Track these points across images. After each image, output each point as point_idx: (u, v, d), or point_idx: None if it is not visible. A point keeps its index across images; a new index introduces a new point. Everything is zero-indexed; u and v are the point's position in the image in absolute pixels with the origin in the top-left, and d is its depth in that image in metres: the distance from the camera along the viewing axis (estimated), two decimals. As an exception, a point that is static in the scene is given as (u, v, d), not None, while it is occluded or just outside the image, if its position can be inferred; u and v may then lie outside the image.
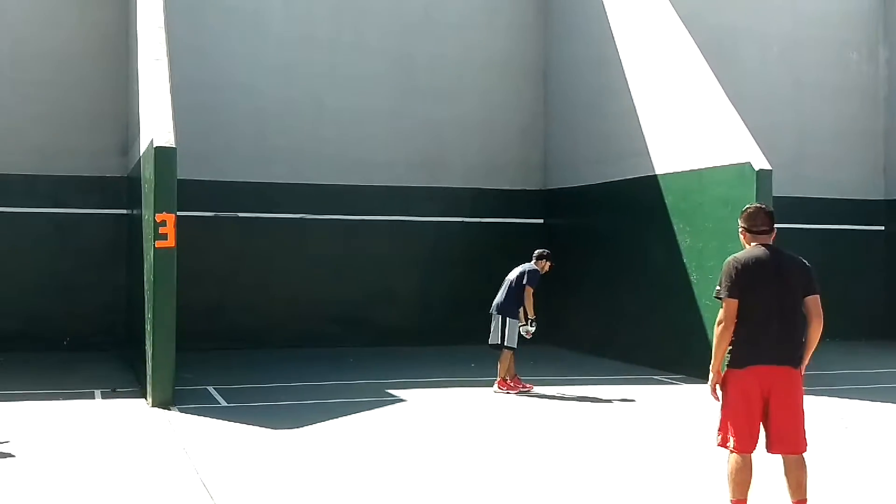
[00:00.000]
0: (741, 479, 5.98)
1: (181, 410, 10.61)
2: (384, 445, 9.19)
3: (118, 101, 15.95)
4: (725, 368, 5.97)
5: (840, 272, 19.51)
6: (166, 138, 11.05)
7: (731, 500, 6.04)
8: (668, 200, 14.66)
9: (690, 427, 10.41)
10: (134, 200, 13.53)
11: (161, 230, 10.80)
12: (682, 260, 14.30)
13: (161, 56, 12.35)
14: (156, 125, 11.29)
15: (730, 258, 6.12)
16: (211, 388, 12.22)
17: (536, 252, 12.92)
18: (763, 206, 6.47)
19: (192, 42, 16.46)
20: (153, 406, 10.74)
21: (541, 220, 18.41)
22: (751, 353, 5.90)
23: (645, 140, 15.17)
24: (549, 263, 12.82)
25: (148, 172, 11.38)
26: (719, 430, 6.02)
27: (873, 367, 15.62)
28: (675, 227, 14.48)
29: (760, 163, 13.11)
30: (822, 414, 11.27)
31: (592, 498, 7.25)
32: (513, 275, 12.69)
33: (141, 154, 12.40)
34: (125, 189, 15.46)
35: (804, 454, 6.00)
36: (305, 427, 9.90)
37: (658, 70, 15.06)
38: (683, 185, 14.39)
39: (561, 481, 7.81)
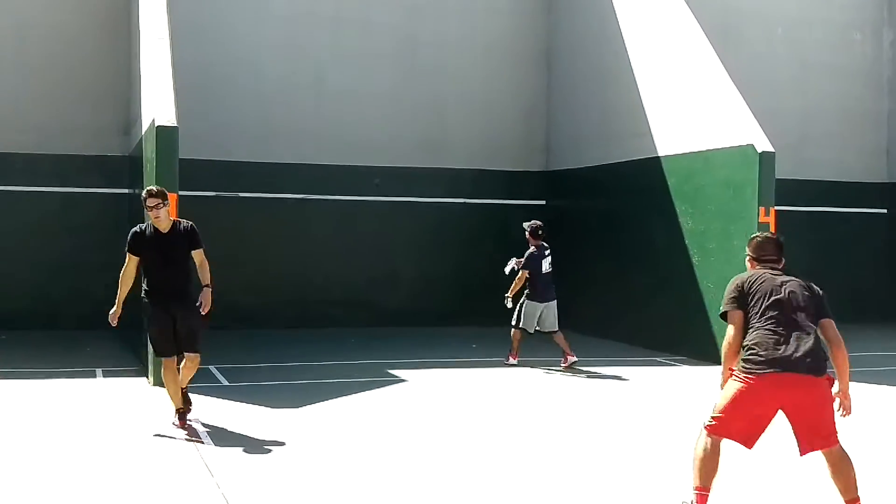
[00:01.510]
0: (710, 466, 5.72)
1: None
2: (385, 425, 9.21)
3: (120, 81, 15.90)
4: (740, 368, 5.69)
5: (842, 255, 19.52)
6: (168, 117, 11.03)
7: (695, 487, 5.75)
8: (671, 182, 14.64)
9: (688, 409, 10.42)
10: (135, 180, 13.51)
11: (163, 209, 10.77)
12: (685, 242, 14.29)
13: (163, 35, 12.31)
14: (157, 104, 11.27)
15: (735, 277, 5.94)
16: (213, 368, 12.23)
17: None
18: (772, 236, 6.17)
19: (194, 21, 16.40)
20: (154, 385, 10.74)
21: (543, 202, 18.37)
22: (768, 358, 5.59)
23: (648, 122, 15.13)
24: (529, 237, 13.22)
25: (149, 151, 11.36)
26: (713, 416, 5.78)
27: (875, 349, 15.61)
28: (678, 210, 14.47)
29: (763, 145, 13.08)
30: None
31: (586, 477, 7.26)
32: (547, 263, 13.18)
33: (142, 133, 12.38)
34: (127, 168, 15.43)
35: (843, 448, 5.76)
36: (307, 406, 9.92)
37: (662, 51, 15.00)
38: (686, 167, 14.36)
39: (556, 459, 7.82)
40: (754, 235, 6.16)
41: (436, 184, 18.17)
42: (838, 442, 5.75)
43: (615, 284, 16.03)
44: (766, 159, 13.01)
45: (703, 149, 14.02)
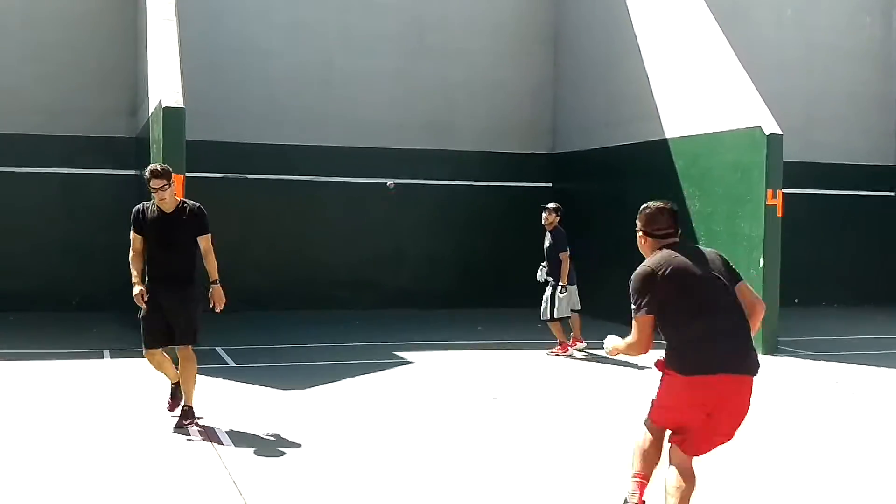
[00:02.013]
0: (650, 454, 5.28)
1: (190, 370, 10.65)
2: (391, 407, 9.23)
3: (127, 62, 15.89)
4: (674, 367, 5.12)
5: (849, 237, 19.49)
6: (175, 98, 11.03)
7: (634, 474, 5.32)
8: (678, 165, 14.61)
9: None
10: (142, 161, 13.50)
11: (170, 191, 10.78)
12: (692, 225, 14.26)
13: (170, 16, 12.30)
14: (164, 85, 11.26)
15: (640, 267, 5.13)
16: (219, 349, 12.27)
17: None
18: (665, 205, 5.34)
19: (201, 2, 16.37)
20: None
21: (549, 184, 18.34)
22: (698, 360, 5.01)
23: (655, 104, 15.08)
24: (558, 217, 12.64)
25: (156, 133, 11.36)
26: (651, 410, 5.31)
27: (880, 332, 15.61)
28: (685, 192, 14.43)
29: (771, 127, 13.04)
30: (819, 377, 11.30)
31: (586, 461, 7.27)
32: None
33: (149, 114, 12.38)
34: (133, 149, 15.43)
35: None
36: (313, 388, 9.95)
37: (669, 33, 14.94)
38: (694, 150, 14.33)
39: (559, 442, 7.83)
40: (645, 206, 5.37)
41: (442, 166, 18.14)
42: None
43: (621, 267, 15.90)
44: (773, 142, 12.97)
45: (711, 131, 13.97)
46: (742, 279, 5.33)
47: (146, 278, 7.99)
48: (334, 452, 7.37)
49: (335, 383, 10.25)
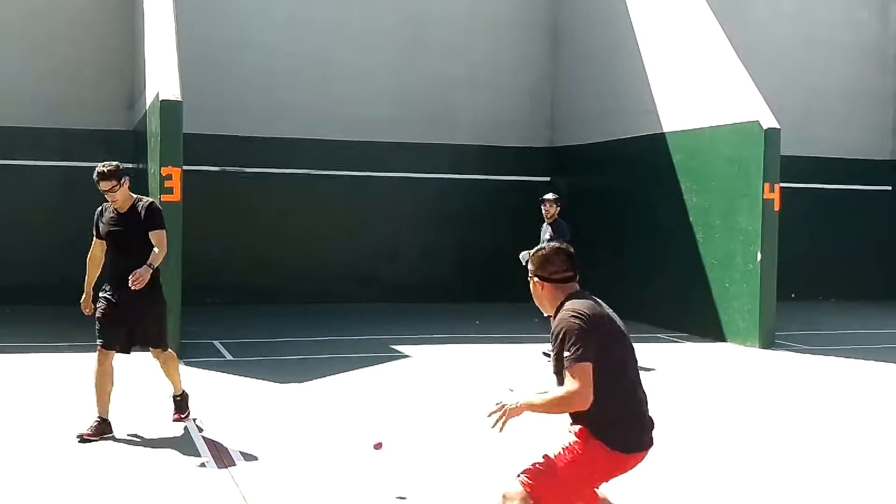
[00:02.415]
0: None
1: (187, 364, 10.63)
2: (388, 399, 9.24)
3: (124, 55, 15.88)
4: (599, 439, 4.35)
5: (846, 232, 19.50)
6: (172, 92, 11.02)
7: None
8: (676, 159, 14.62)
9: (688, 386, 10.46)
10: (140, 154, 13.52)
11: (167, 184, 10.81)
12: (689, 219, 14.28)
13: (168, 9, 12.29)
14: (162, 78, 11.26)
15: (569, 310, 4.31)
16: (217, 343, 12.28)
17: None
18: (560, 246, 4.57)
19: (198, -5, 16.38)
20: (159, 359, 10.78)
21: (548, 178, 18.35)
22: (632, 434, 4.39)
23: (653, 98, 15.09)
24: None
25: (154, 126, 11.36)
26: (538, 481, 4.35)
27: (877, 327, 15.64)
28: (682, 186, 14.45)
29: (769, 122, 13.06)
30: (816, 371, 11.32)
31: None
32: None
33: (147, 107, 12.38)
34: (131, 142, 15.43)
35: None
36: (310, 381, 9.96)
37: (667, 27, 14.95)
38: (691, 144, 14.34)
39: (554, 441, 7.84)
40: (537, 249, 4.58)
41: (441, 159, 18.15)
42: None
43: (618, 260, 16.02)
44: (771, 136, 12.99)
45: (709, 125, 13.99)
46: None
47: (106, 281, 7.57)
48: (331, 446, 7.38)
49: (333, 377, 10.26)
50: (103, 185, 7.31)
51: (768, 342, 12.93)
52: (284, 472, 6.58)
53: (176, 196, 10.82)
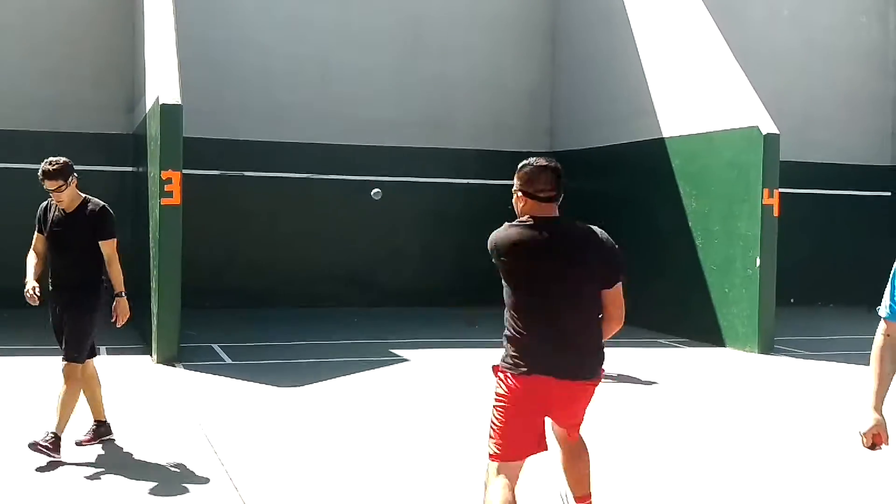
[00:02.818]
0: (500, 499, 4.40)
1: (186, 367, 10.67)
2: (385, 403, 9.24)
3: (124, 58, 15.88)
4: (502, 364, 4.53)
5: (846, 238, 19.50)
6: (172, 95, 11.02)
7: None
8: (675, 164, 14.62)
9: (688, 390, 10.45)
10: (140, 157, 13.52)
11: (167, 188, 10.81)
12: (688, 224, 14.28)
13: (168, 12, 12.29)
14: (162, 82, 11.26)
15: (493, 235, 4.54)
16: (216, 346, 12.28)
17: None
18: (549, 163, 4.71)
19: (199, -2, 16.38)
20: (158, 363, 10.79)
21: (547, 183, 18.34)
22: (526, 358, 4.45)
23: (653, 103, 15.10)
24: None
25: (154, 129, 11.36)
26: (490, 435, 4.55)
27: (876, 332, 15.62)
28: (682, 191, 14.45)
29: (768, 127, 13.06)
30: (815, 376, 11.32)
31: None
32: None
33: (147, 111, 12.37)
34: (131, 146, 15.43)
35: (583, 441, 4.99)
36: (308, 385, 9.95)
37: (667, 32, 14.96)
38: (691, 149, 14.34)
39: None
40: (525, 163, 4.72)
41: (439, 164, 18.15)
42: (579, 435, 4.94)
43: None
44: (770, 141, 12.99)
45: (708, 130, 13.99)
46: (617, 281, 4.60)
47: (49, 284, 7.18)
48: (329, 450, 7.38)
49: (331, 380, 10.26)
50: (49, 184, 6.87)
51: (767, 347, 12.92)
52: (283, 476, 6.58)
53: (176, 200, 10.83)
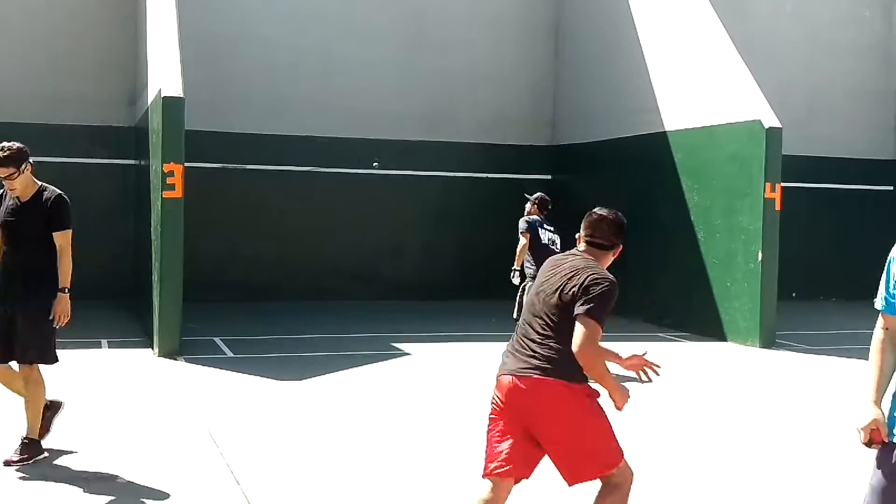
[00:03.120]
0: None
1: (188, 360, 10.68)
2: (388, 398, 9.25)
3: (126, 51, 15.87)
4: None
5: (848, 232, 19.48)
6: (174, 88, 11.02)
7: None
8: (678, 158, 14.61)
9: (690, 385, 10.46)
10: (142, 151, 13.51)
11: (169, 180, 10.81)
12: (690, 218, 14.28)
13: (170, 5, 12.28)
14: (164, 75, 11.25)
15: (609, 276, 5.03)
16: (217, 340, 12.28)
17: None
18: (609, 214, 5.19)
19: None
20: (160, 356, 10.80)
21: (549, 176, 18.35)
22: (505, 360, 4.70)
23: (655, 96, 15.08)
24: (534, 207, 11.63)
25: (156, 122, 11.36)
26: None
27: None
28: (684, 185, 14.44)
29: (771, 121, 13.05)
30: (817, 370, 11.32)
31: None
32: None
33: (149, 104, 12.37)
34: (133, 139, 15.42)
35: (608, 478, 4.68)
36: (310, 378, 9.96)
37: (669, 26, 14.94)
38: (693, 143, 14.33)
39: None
40: (592, 212, 5.17)
41: (442, 157, 18.14)
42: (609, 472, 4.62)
43: (619, 259, 15.98)
44: (772, 135, 12.98)
45: (710, 124, 13.98)
46: (584, 314, 4.72)
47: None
48: (330, 444, 7.38)
49: (333, 374, 10.26)
50: (1, 171, 6.45)
51: (769, 342, 12.92)
52: (285, 470, 6.59)
53: (178, 192, 10.83)
